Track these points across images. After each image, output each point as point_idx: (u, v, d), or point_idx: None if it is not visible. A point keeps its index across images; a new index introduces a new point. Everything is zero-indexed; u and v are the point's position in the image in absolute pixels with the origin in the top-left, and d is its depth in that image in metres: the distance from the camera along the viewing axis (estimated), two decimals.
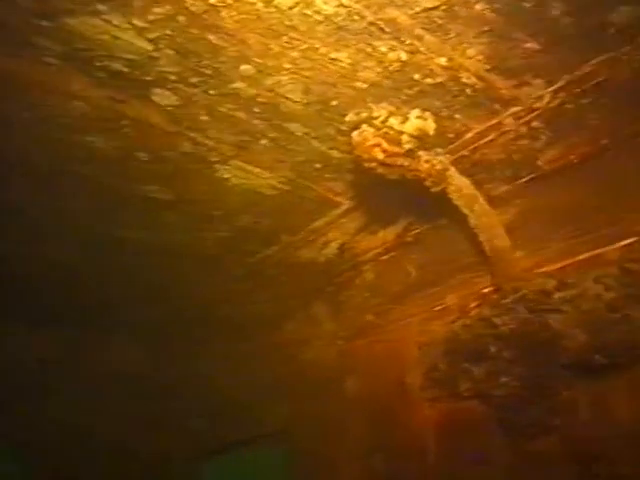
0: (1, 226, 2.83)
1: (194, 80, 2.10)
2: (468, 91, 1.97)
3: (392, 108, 1.99)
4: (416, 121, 1.90)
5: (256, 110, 2.24)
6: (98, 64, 2.00)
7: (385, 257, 2.82)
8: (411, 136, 1.93)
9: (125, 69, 2.04)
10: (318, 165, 2.55)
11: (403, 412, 2.41)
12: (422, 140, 1.95)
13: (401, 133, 1.93)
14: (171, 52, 1.98)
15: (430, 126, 1.91)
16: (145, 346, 3.84)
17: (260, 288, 3.31)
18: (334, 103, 2.16)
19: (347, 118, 2.10)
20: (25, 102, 2.17)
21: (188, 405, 3.60)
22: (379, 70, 2.00)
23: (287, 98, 2.17)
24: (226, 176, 2.61)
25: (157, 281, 3.34)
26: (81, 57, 1.98)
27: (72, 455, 3.53)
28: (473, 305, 2.20)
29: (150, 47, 1.95)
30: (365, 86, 2.06)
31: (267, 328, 3.33)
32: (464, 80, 1.94)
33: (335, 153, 2.46)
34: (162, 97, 2.18)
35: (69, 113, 2.23)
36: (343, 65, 1.99)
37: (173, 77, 2.08)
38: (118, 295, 3.51)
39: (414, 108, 1.98)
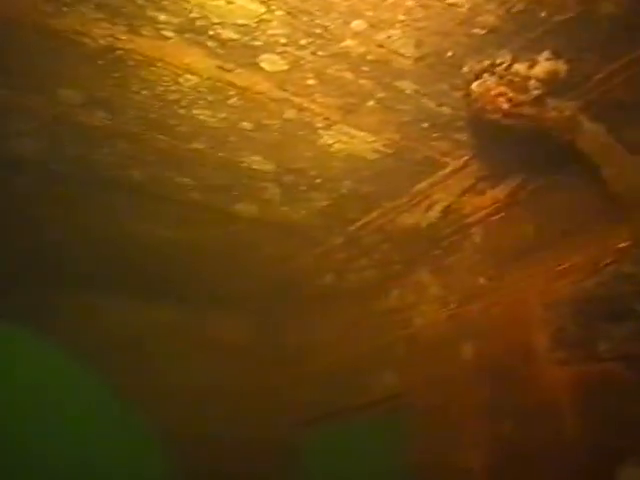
0: (117, 204, 2.89)
1: (303, 42, 2.05)
2: (604, 24, 1.83)
3: (516, 53, 1.87)
4: (546, 64, 1.78)
5: (365, 69, 2.17)
6: (211, 33, 1.99)
7: (496, 217, 2.71)
8: (539, 81, 1.81)
9: (235, 36, 2.01)
10: (425, 124, 2.46)
11: (530, 375, 2.32)
12: (551, 85, 1.83)
13: (528, 79, 1.82)
14: (282, 13, 1.93)
15: (561, 68, 1.79)
16: (248, 318, 3.89)
17: (362, 256, 3.27)
18: (449, 54, 2.06)
19: (465, 69, 2.01)
20: (142, 80, 2.19)
21: (294, 374, 3.62)
22: (500, 13, 1.88)
23: (398, 54, 2.09)
24: (329, 142, 2.56)
25: (259, 254, 3.35)
26: (196, 27, 1.96)
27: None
28: (607, 262, 2.07)
29: (262, 9, 1.91)
30: (484, 32, 1.95)
31: (372, 295, 3.28)
32: (602, 10, 1.79)
33: (445, 110, 2.36)
34: (270, 63, 2.14)
35: (180, 88, 2.23)
36: (461, 11, 1.89)
37: (283, 40, 2.04)
38: (222, 268, 3.54)
39: (540, 51, 1.86)
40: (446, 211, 2.88)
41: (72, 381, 4.50)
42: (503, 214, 2.67)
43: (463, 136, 2.47)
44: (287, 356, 3.72)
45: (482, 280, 2.74)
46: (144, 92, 2.27)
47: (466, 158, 2.62)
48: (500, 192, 2.61)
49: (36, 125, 2.44)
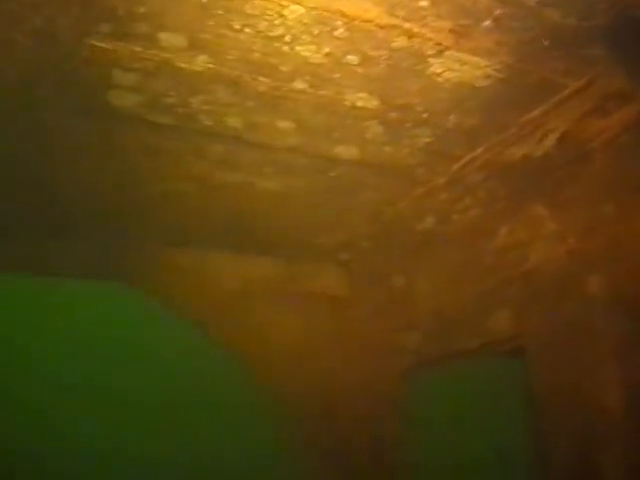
0: (214, 155, 2.83)
1: None
2: None
3: None
4: None
5: None
6: None
7: (622, 140, 2.49)
8: None
9: None
10: (547, 42, 2.26)
11: None
12: None
13: None
14: None
15: None
16: (348, 268, 3.82)
17: (466, 195, 3.12)
18: None
19: None
20: (245, 16, 2.09)
21: (401, 320, 3.55)
22: None
23: None
24: (438, 71, 2.39)
25: (358, 199, 3.25)
26: None
27: None
28: None
29: None
30: None
31: (478, 236, 3.14)
32: None
33: (571, 21, 2.15)
34: None
35: (284, 21, 2.11)
36: None
37: None
38: (320, 218, 3.46)
39: None
40: (563, 138, 2.68)
41: (174, 337, 4.59)
42: (632, 135, 2.45)
43: (590, 50, 2.26)
44: (392, 303, 3.64)
45: (608, 209, 2.55)
46: (247, 30, 2.16)
47: (590, 77, 2.41)
48: (629, 111, 2.39)
49: (136, 76, 2.39)
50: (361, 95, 2.50)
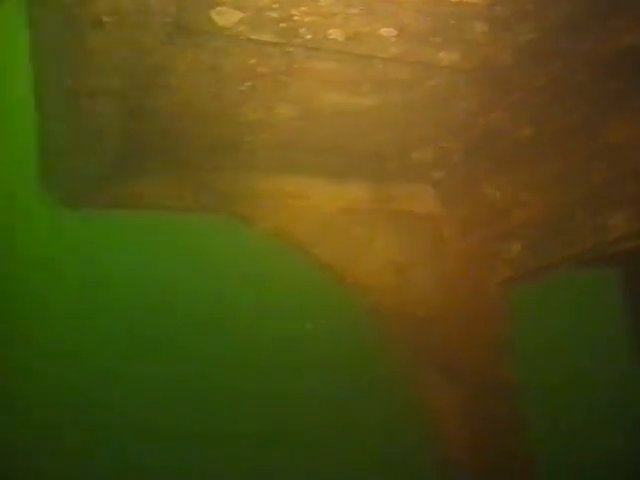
0: (317, 73, 2.81)
1: None
2: None
3: None
4: None
5: None
6: None
7: None
8: None
9: None
10: None
11: None
12: None
13: None
14: None
15: None
16: (438, 187, 3.81)
17: (567, 95, 3.02)
18: None
19: None
20: None
21: (494, 233, 3.52)
22: None
23: None
24: None
25: (451, 111, 3.19)
26: None
27: None
28: None
29: None
30: None
31: (582, 137, 3.05)
32: None
33: None
34: None
35: None
36: None
37: None
38: (413, 134, 3.42)
39: None
40: None
41: (277, 264, 4.67)
42: None
43: None
44: (489, 216, 3.60)
45: None
46: None
47: None
48: None
49: None
50: None
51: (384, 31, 2.61)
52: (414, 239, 3.84)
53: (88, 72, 2.49)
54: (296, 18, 2.51)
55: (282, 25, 2.53)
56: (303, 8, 2.47)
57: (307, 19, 2.52)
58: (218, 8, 2.43)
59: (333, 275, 3.77)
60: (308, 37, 2.59)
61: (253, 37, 2.57)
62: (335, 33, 2.60)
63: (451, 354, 3.73)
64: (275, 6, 2.44)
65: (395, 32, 2.63)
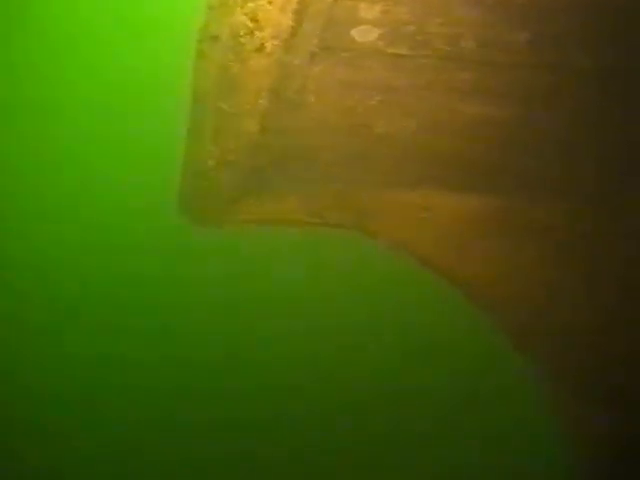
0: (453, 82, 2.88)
1: None
2: None
3: None
4: None
5: None
6: None
7: None
8: None
9: None
10: None
11: None
12: None
13: None
14: None
15: None
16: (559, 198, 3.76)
17: None
18: None
19: None
20: None
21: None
22: None
23: None
24: None
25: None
26: None
27: None
28: None
29: None
30: None
31: None
32: None
33: None
34: None
35: None
36: None
37: None
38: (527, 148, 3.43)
39: None
40: None
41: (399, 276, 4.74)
42: None
43: None
44: None
45: None
46: None
47: None
48: None
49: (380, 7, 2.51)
50: None
51: (519, 36, 2.67)
52: (535, 253, 3.78)
53: (241, 94, 2.72)
54: (431, 30, 2.63)
55: (418, 38, 2.65)
56: (438, 20, 2.58)
57: (442, 30, 2.63)
58: (360, 27, 2.60)
59: (455, 284, 3.79)
60: (442, 47, 2.69)
61: (389, 51, 2.71)
62: (468, 42, 2.69)
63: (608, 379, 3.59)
64: (412, 19, 2.57)
65: (529, 36, 2.68)
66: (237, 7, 2.46)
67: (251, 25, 2.45)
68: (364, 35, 2.63)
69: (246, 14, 2.44)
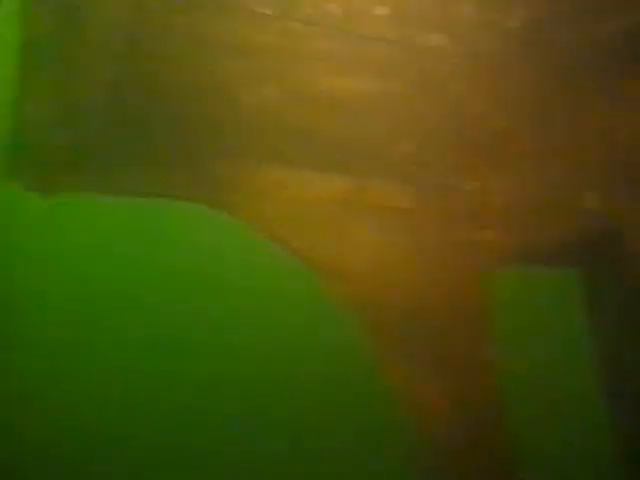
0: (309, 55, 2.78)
1: None
2: None
3: None
4: None
5: None
6: None
7: None
8: None
9: None
10: None
11: None
12: None
13: None
14: None
15: None
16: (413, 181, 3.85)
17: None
18: None
19: None
20: None
21: (472, 224, 3.62)
22: None
23: None
24: None
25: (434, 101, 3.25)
26: None
27: None
28: None
29: None
30: None
31: (560, 122, 3.17)
32: None
33: None
34: None
35: None
36: None
37: None
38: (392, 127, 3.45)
39: None
40: None
41: (253, 255, 4.62)
42: None
43: None
44: (466, 208, 3.69)
45: None
46: None
47: None
48: None
49: None
50: None
51: (379, 10, 2.66)
52: (393, 233, 3.87)
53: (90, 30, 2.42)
54: None
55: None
56: None
57: None
58: None
59: (310, 266, 3.77)
60: (308, 12, 2.61)
61: (257, 10, 2.56)
62: (334, 9, 2.64)
63: (434, 345, 3.77)
64: None
65: (388, 11, 2.68)
66: None
67: None
68: None
69: None
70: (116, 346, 5.97)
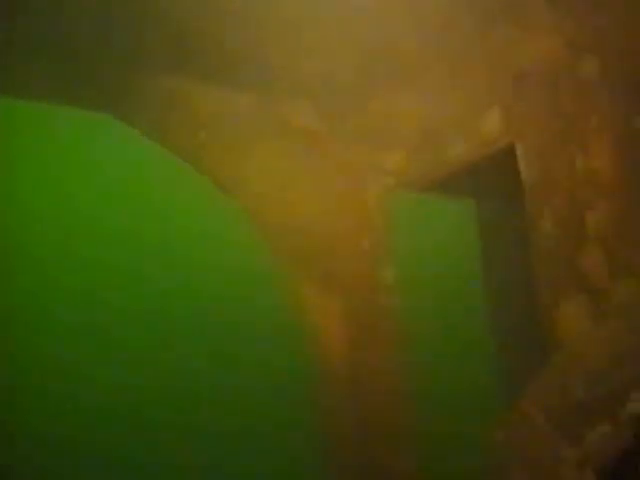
0: None
1: None
2: None
3: None
4: None
5: None
6: None
7: None
8: None
9: None
10: None
11: None
12: None
13: None
14: None
15: None
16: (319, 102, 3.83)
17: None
18: None
19: None
20: None
21: (376, 144, 3.70)
22: None
23: None
24: None
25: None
26: None
27: None
28: None
29: None
30: None
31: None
32: None
33: None
34: None
35: None
36: None
37: None
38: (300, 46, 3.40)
39: None
40: None
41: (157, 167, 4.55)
42: None
43: None
44: (371, 128, 3.70)
45: None
46: None
47: None
48: None
49: None
50: None
51: None
52: (296, 151, 3.87)
53: None
54: None
55: None
56: None
57: None
58: None
59: (212, 180, 3.74)
60: None
61: None
62: None
63: (331, 264, 3.83)
64: None
65: None
66: None
67: None
68: None
69: None
70: None
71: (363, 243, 3.75)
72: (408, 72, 3.50)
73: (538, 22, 2.91)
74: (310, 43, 3.38)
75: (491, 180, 3.67)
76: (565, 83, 2.74)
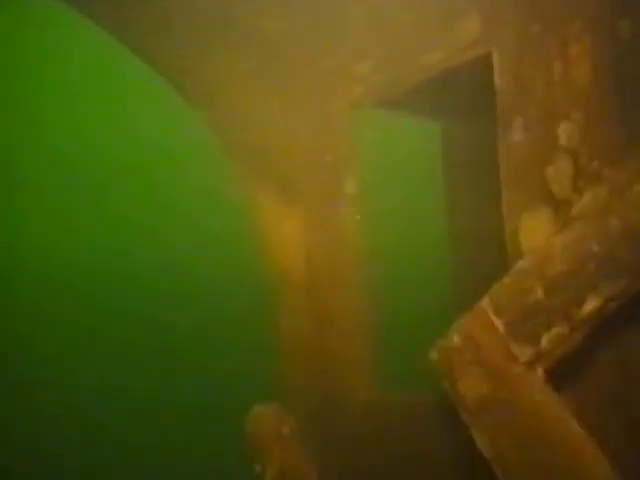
0: None
1: None
2: None
3: None
4: None
5: None
6: None
7: None
8: None
9: None
10: None
11: None
12: None
13: None
14: None
15: None
16: None
17: None
18: None
19: None
20: None
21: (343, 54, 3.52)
22: None
23: None
24: None
25: None
26: None
27: None
28: None
29: None
30: None
31: None
32: None
33: None
34: None
35: None
36: None
37: None
38: None
39: None
40: None
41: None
42: None
43: None
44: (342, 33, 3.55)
45: None
46: None
47: None
48: None
49: None
50: None
51: None
52: (261, 60, 3.71)
53: None
54: None
55: None
56: None
57: None
58: None
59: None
60: None
61: None
62: None
63: (292, 175, 3.78)
64: None
65: None
66: None
67: None
68: None
69: None
70: None
71: (326, 156, 3.68)
72: None
73: None
74: None
75: (462, 97, 3.58)
76: None
